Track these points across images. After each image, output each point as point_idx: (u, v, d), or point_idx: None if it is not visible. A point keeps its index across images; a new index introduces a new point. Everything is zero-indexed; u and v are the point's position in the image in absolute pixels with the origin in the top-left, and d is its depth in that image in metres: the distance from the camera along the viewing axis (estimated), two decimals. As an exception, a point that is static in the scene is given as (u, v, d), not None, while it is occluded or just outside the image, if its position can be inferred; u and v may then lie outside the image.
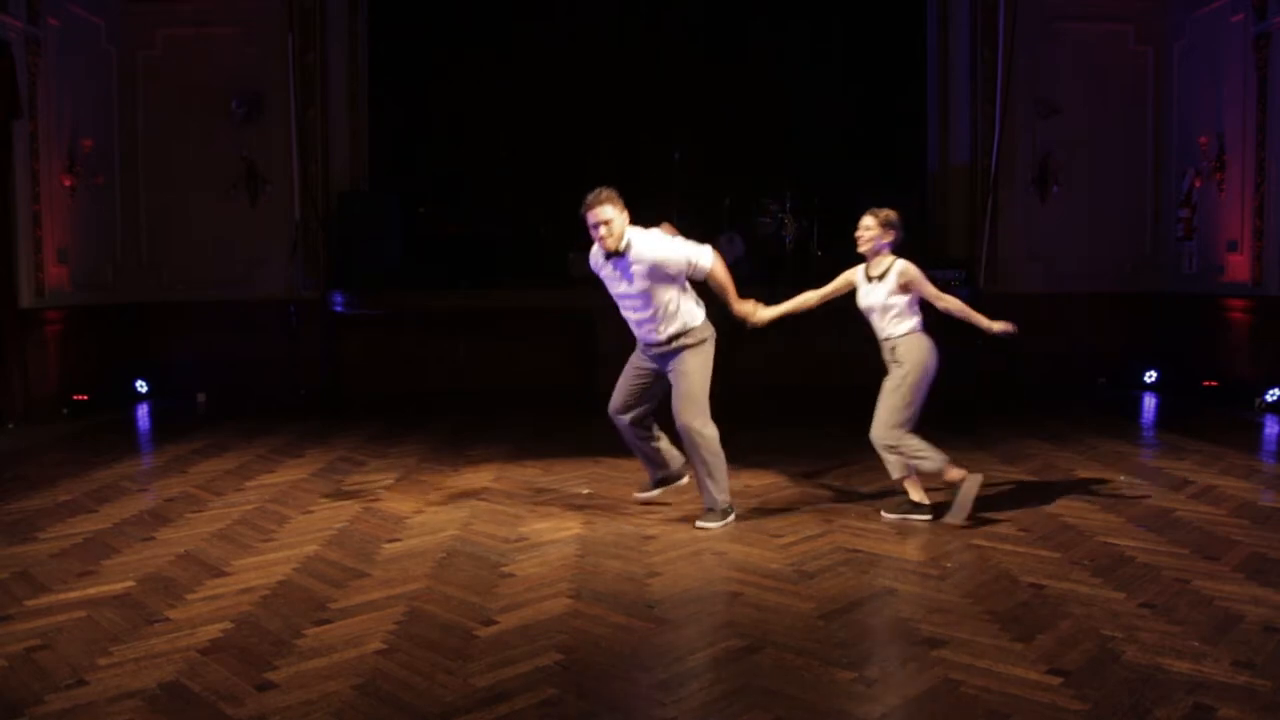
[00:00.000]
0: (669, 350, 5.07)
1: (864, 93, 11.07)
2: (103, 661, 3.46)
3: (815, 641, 3.60)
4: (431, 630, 3.74)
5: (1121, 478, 6.18)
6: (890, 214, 5.24)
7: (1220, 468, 6.41)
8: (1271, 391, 8.46)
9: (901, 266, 5.20)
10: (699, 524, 5.11)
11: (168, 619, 3.88)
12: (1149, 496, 5.68)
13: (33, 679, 3.32)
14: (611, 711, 3.11)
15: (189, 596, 4.15)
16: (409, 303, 10.14)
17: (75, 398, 9.10)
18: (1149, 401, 9.73)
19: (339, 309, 10.16)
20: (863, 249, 5.26)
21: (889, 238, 5.22)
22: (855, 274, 5.34)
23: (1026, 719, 2.98)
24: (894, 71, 11.10)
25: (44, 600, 4.11)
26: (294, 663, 3.44)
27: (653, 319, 5.03)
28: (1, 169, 8.33)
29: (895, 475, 5.26)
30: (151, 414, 9.51)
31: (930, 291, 5.21)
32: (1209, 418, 8.50)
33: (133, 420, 9.24)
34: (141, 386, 10.04)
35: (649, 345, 5.15)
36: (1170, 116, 10.42)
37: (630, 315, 5.15)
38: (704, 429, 5.04)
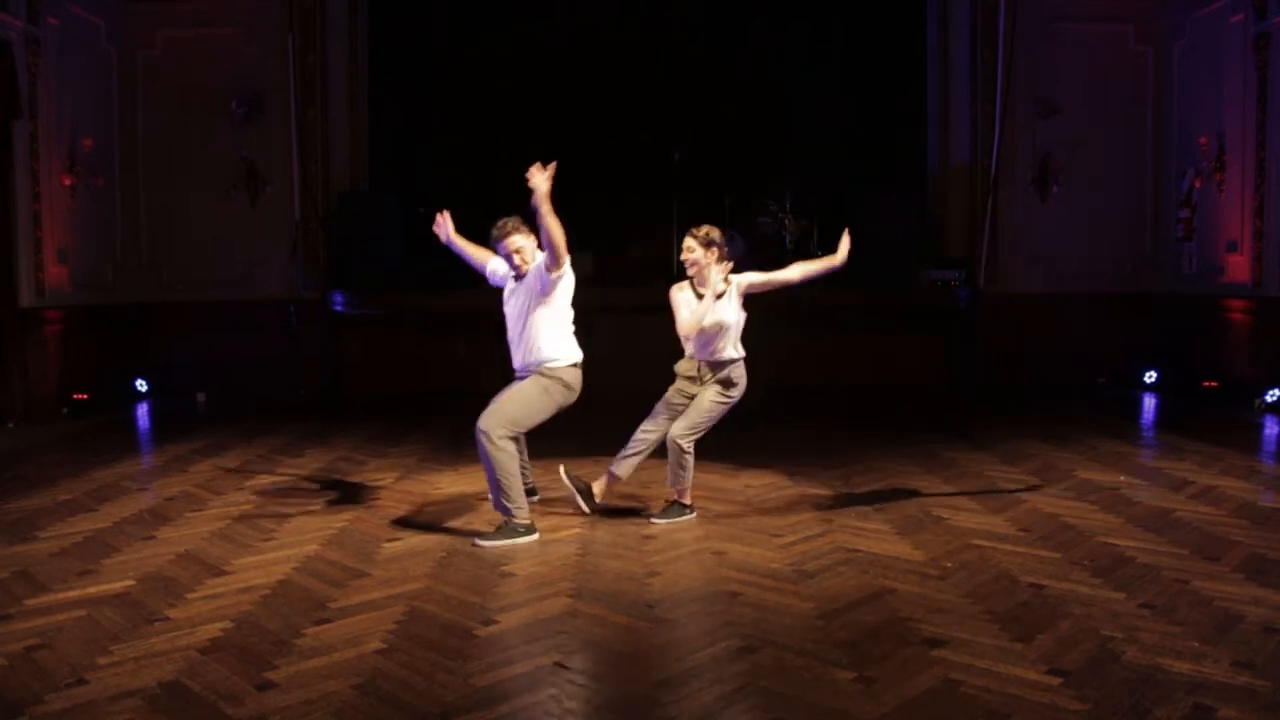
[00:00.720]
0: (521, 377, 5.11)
1: (864, 93, 11.07)
2: (103, 661, 3.46)
3: (815, 641, 3.60)
4: (431, 630, 3.74)
5: (1121, 478, 6.18)
6: (710, 231, 5.12)
7: (1220, 468, 6.41)
8: (1271, 392, 8.46)
9: (738, 280, 5.13)
10: (476, 542, 4.87)
11: (168, 618, 3.88)
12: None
13: (33, 678, 3.32)
14: (611, 711, 3.11)
15: (189, 596, 4.15)
16: (409, 303, 10.14)
17: (75, 397, 9.10)
18: (1149, 402, 9.73)
19: (339, 309, 10.17)
20: (691, 273, 5.14)
21: (714, 255, 5.09)
22: (678, 295, 5.17)
23: (1026, 719, 2.98)
24: (894, 71, 11.09)
25: (44, 599, 4.11)
26: (294, 662, 3.44)
27: (519, 340, 5.07)
28: (1, 169, 8.33)
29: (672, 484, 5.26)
30: (151, 414, 9.51)
31: (777, 278, 5.11)
32: (1209, 418, 8.50)
33: (133, 420, 9.24)
34: (141, 386, 10.04)
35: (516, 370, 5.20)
36: (1170, 116, 10.42)
37: (510, 337, 5.19)
38: (496, 441, 4.90)
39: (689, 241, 5.12)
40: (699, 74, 10.82)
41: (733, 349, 5.14)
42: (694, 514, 5.31)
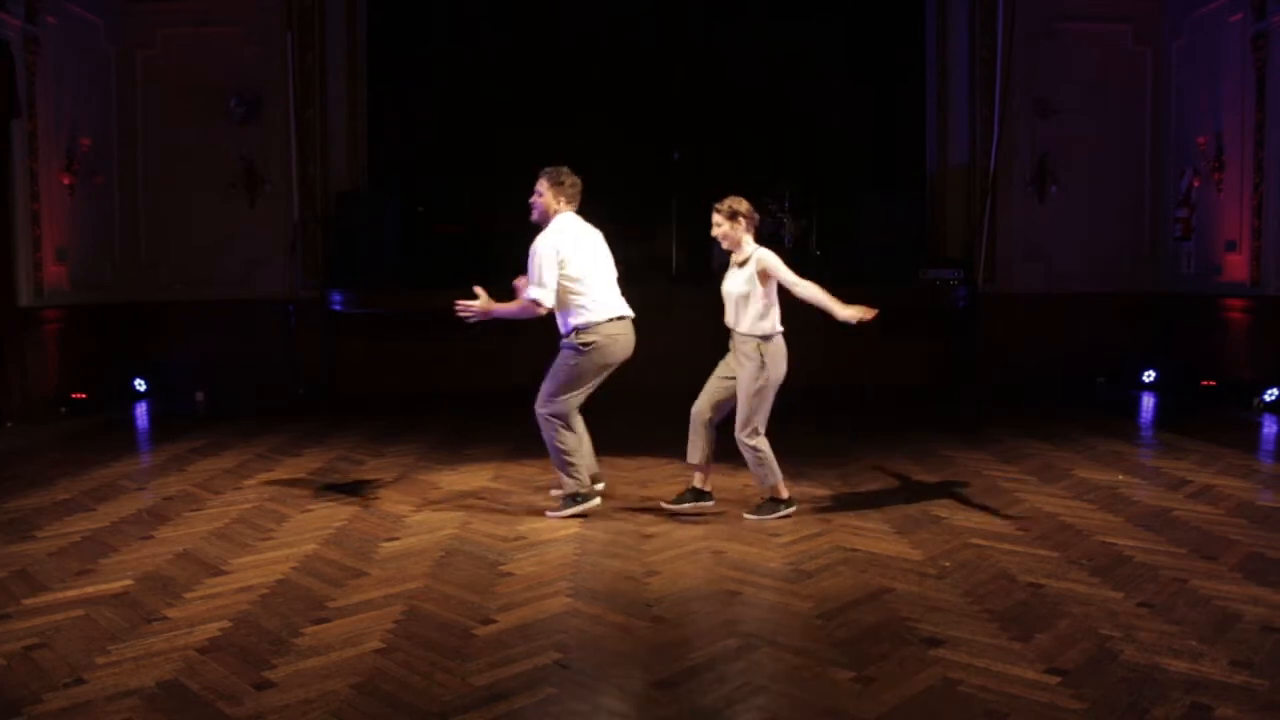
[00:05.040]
0: (561, 341, 5.31)
1: (864, 93, 11.08)
2: (101, 660, 3.46)
3: (813, 640, 3.61)
4: (430, 629, 3.74)
5: (1120, 477, 6.18)
6: (733, 203, 5.18)
7: (1218, 467, 6.42)
8: (1269, 391, 8.46)
9: (759, 254, 5.16)
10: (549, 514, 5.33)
11: (166, 618, 3.88)
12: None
13: (31, 678, 3.32)
14: (610, 711, 3.11)
15: (187, 595, 4.15)
16: (408, 302, 10.13)
17: (74, 397, 9.09)
18: (1147, 401, 9.74)
19: (338, 308, 10.16)
20: (726, 246, 5.25)
21: (742, 225, 5.17)
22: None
23: (1025, 718, 2.98)
24: (894, 72, 11.10)
25: (42, 599, 4.11)
26: (292, 662, 3.44)
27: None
28: (0, 168, 8.33)
29: (691, 458, 5.33)
30: (150, 413, 9.51)
31: (791, 283, 5.10)
32: (1207, 417, 8.50)
33: (131, 419, 9.23)
34: (140, 385, 10.03)
35: None
36: (1168, 116, 10.42)
37: None
38: (547, 419, 5.24)
39: (714, 217, 5.21)
40: (699, 74, 10.82)
41: (749, 324, 5.10)
42: (794, 508, 5.29)
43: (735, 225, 5.15)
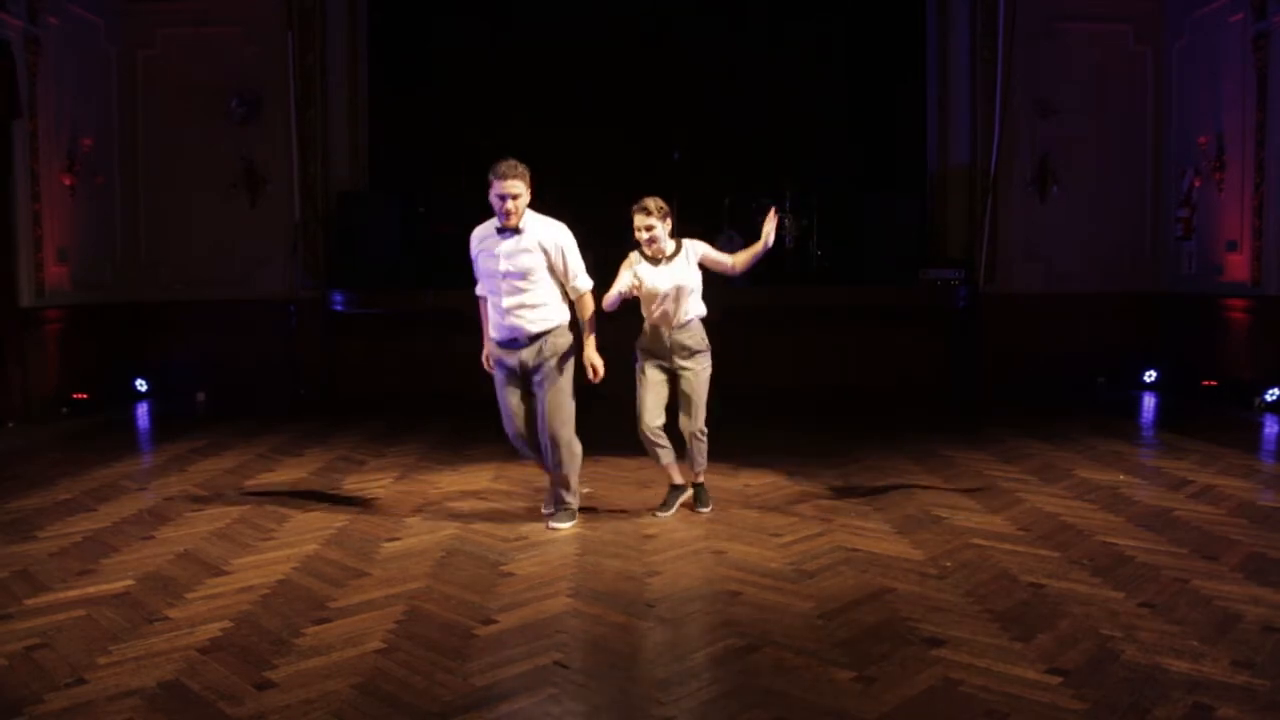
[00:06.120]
0: (536, 354, 4.99)
1: (864, 92, 11.08)
2: (102, 660, 3.46)
3: (814, 641, 3.61)
4: (431, 629, 3.75)
5: (1121, 477, 6.18)
6: (659, 201, 5.16)
7: (1219, 467, 6.41)
8: (1270, 391, 8.45)
9: (691, 243, 5.21)
10: (553, 524, 5.12)
11: (167, 618, 3.89)
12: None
13: (32, 678, 3.32)
14: (611, 711, 3.11)
15: (188, 595, 4.15)
16: (409, 302, 10.13)
17: (75, 397, 9.10)
18: (1148, 401, 9.73)
19: (338, 309, 10.17)
20: (651, 250, 5.15)
21: (669, 225, 5.18)
22: (634, 265, 5.19)
23: (1025, 718, 2.98)
24: (894, 71, 11.10)
25: (43, 599, 4.11)
26: (293, 662, 3.44)
27: (528, 305, 4.97)
28: (1, 169, 8.33)
29: (666, 461, 5.31)
30: (151, 413, 9.51)
31: (724, 261, 5.23)
32: (1208, 417, 8.50)
33: (132, 419, 9.24)
34: (141, 386, 10.03)
35: (513, 338, 5.03)
36: (1169, 116, 10.42)
37: (505, 300, 5.01)
38: (573, 443, 5.00)
39: (647, 220, 5.10)
40: (699, 74, 10.82)
41: (694, 309, 5.17)
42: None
43: (665, 223, 5.15)
